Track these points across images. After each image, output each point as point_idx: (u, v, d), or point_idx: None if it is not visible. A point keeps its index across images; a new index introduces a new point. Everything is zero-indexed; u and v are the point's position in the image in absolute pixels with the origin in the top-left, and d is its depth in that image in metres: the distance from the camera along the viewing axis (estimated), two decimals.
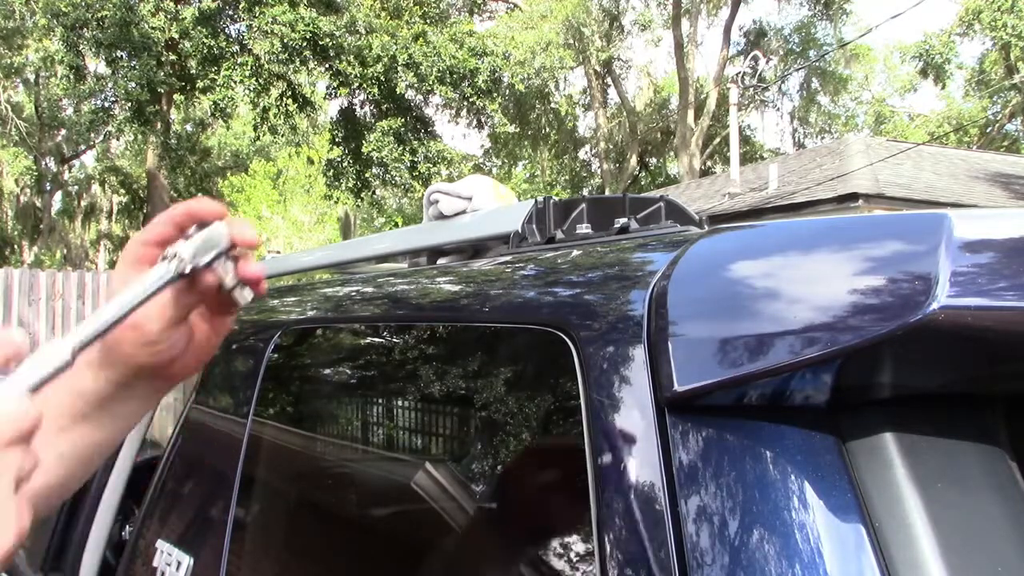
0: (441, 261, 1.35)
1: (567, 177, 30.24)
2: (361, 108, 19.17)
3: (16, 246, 28.14)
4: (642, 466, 0.57)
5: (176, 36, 15.93)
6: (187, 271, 0.63)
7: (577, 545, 0.60)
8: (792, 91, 31.30)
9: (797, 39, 28.75)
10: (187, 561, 1.23)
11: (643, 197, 0.87)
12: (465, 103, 18.31)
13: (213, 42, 15.92)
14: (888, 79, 32.33)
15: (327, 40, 15.70)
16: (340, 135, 18.85)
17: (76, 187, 29.48)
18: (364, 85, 17.16)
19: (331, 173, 18.80)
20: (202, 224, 0.64)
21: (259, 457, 1.20)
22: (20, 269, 9.67)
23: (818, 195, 12.83)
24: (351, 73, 16.49)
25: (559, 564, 0.66)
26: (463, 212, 1.41)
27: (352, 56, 16.13)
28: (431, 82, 16.71)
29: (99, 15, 14.76)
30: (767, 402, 0.54)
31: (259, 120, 17.09)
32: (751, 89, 19.10)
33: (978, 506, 0.51)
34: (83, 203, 29.03)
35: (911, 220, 0.51)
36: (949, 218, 0.47)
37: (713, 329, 0.56)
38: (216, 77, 16.09)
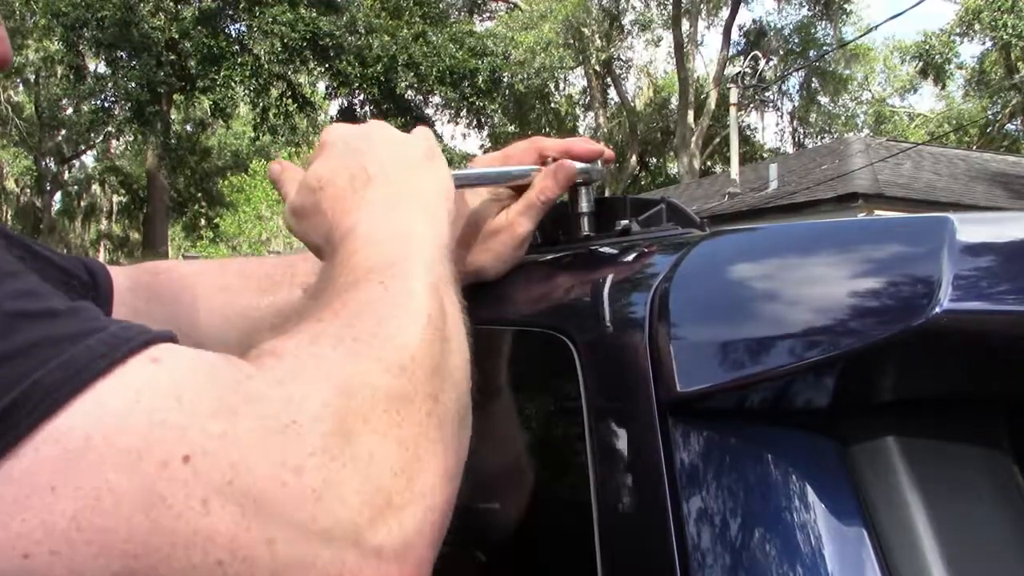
0: None
1: None
2: (361, 108, 19.17)
3: None
4: (644, 469, 0.57)
5: (176, 36, 15.94)
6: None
7: (578, 547, 0.60)
8: (792, 91, 31.31)
9: (797, 39, 28.75)
10: None
11: (644, 199, 0.87)
12: (465, 103, 18.31)
13: (213, 42, 15.93)
14: (888, 79, 32.36)
15: (327, 40, 15.71)
16: None
17: (76, 187, 29.52)
18: (364, 85, 17.16)
19: None
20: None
21: None
22: None
23: (818, 195, 12.84)
24: (351, 73, 16.50)
25: (560, 566, 0.66)
26: None
27: (352, 56, 16.14)
28: (431, 82, 16.71)
29: (99, 15, 14.77)
30: (769, 405, 0.54)
31: (259, 120, 17.09)
32: (751, 89, 19.12)
33: (981, 511, 0.51)
34: (83, 203, 29.08)
35: (913, 223, 0.51)
36: (951, 221, 0.46)
37: (715, 332, 0.56)
38: (216, 77, 16.10)
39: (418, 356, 0.44)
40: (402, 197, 0.61)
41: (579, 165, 0.81)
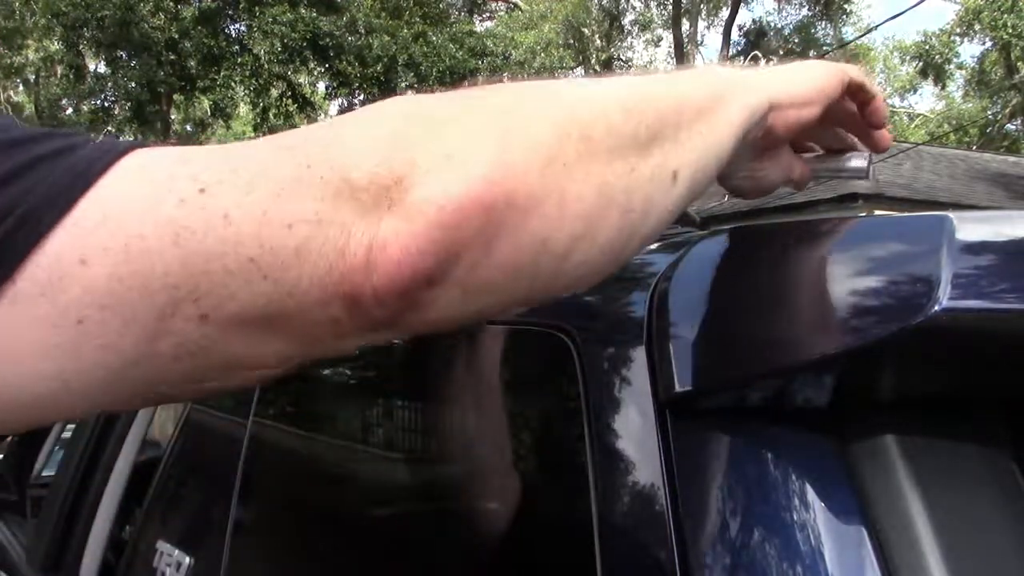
0: None
1: None
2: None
3: None
4: (643, 467, 0.57)
5: (176, 36, 15.93)
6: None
7: (578, 546, 0.60)
8: None
9: (797, 39, 28.73)
10: (187, 561, 1.23)
11: None
12: None
13: (213, 42, 15.92)
14: (888, 79, 32.37)
15: (327, 40, 15.71)
16: None
17: None
18: (364, 85, 17.16)
19: None
20: None
21: (259, 458, 1.20)
22: None
23: (818, 195, 12.83)
24: (351, 73, 16.49)
25: (560, 565, 0.66)
26: None
27: (352, 56, 16.14)
28: (431, 82, 16.72)
29: (99, 15, 14.76)
30: (768, 404, 0.54)
31: (259, 120, 17.09)
32: None
33: (980, 509, 0.51)
34: None
35: (912, 221, 0.51)
36: (951, 219, 0.46)
37: (714, 331, 0.56)
38: (216, 77, 16.09)
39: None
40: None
41: None
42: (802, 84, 0.58)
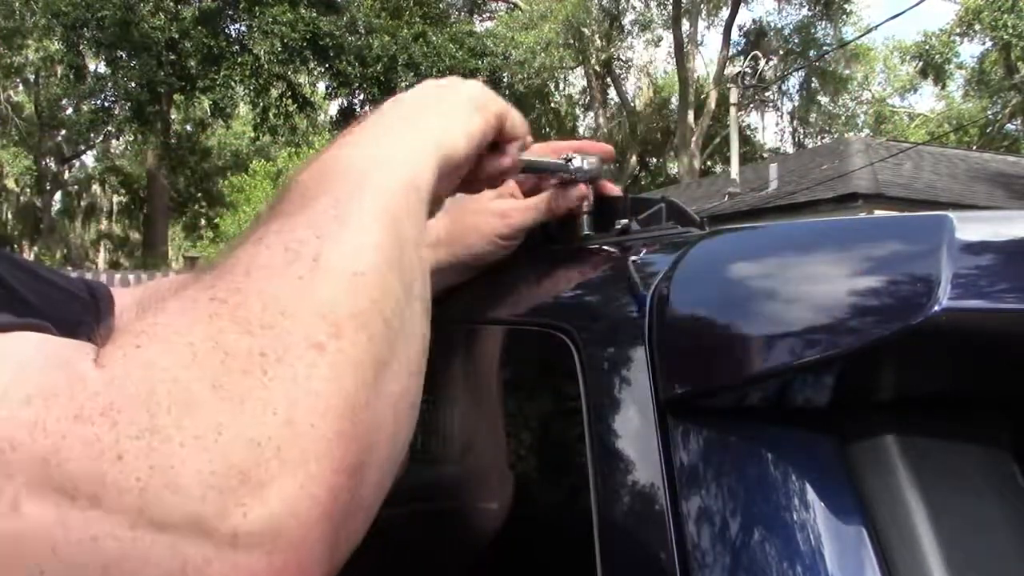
0: None
1: None
2: (361, 108, 19.18)
3: (16, 246, 28.14)
4: (643, 468, 0.57)
5: (176, 36, 15.95)
6: (578, 176, 0.78)
7: (577, 546, 0.60)
8: (792, 91, 31.30)
9: (797, 39, 28.73)
10: None
11: (644, 198, 0.87)
12: None
13: (213, 42, 15.94)
14: (888, 79, 32.38)
15: (327, 40, 15.72)
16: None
17: (76, 187, 29.53)
18: (364, 85, 17.17)
19: None
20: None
21: None
22: None
23: (818, 195, 12.85)
24: (351, 73, 16.50)
25: (560, 565, 0.66)
26: None
27: (352, 56, 16.15)
28: None
29: (99, 15, 14.77)
30: (768, 404, 0.54)
31: (259, 120, 17.10)
32: (751, 89, 19.12)
33: (981, 510, 0.51)
34: (83, 203, 29.08)
35: (912, 221, 0.51)
36: (951, 219, 0.46)
37: (714, 331, 0.56)
38: (216, 77, 16.11)
39: (292, 306, 0.37)
40: (408, 118, 0.58)
41: (580, 162, 0.81)
42: (462, 147, 0.59)
